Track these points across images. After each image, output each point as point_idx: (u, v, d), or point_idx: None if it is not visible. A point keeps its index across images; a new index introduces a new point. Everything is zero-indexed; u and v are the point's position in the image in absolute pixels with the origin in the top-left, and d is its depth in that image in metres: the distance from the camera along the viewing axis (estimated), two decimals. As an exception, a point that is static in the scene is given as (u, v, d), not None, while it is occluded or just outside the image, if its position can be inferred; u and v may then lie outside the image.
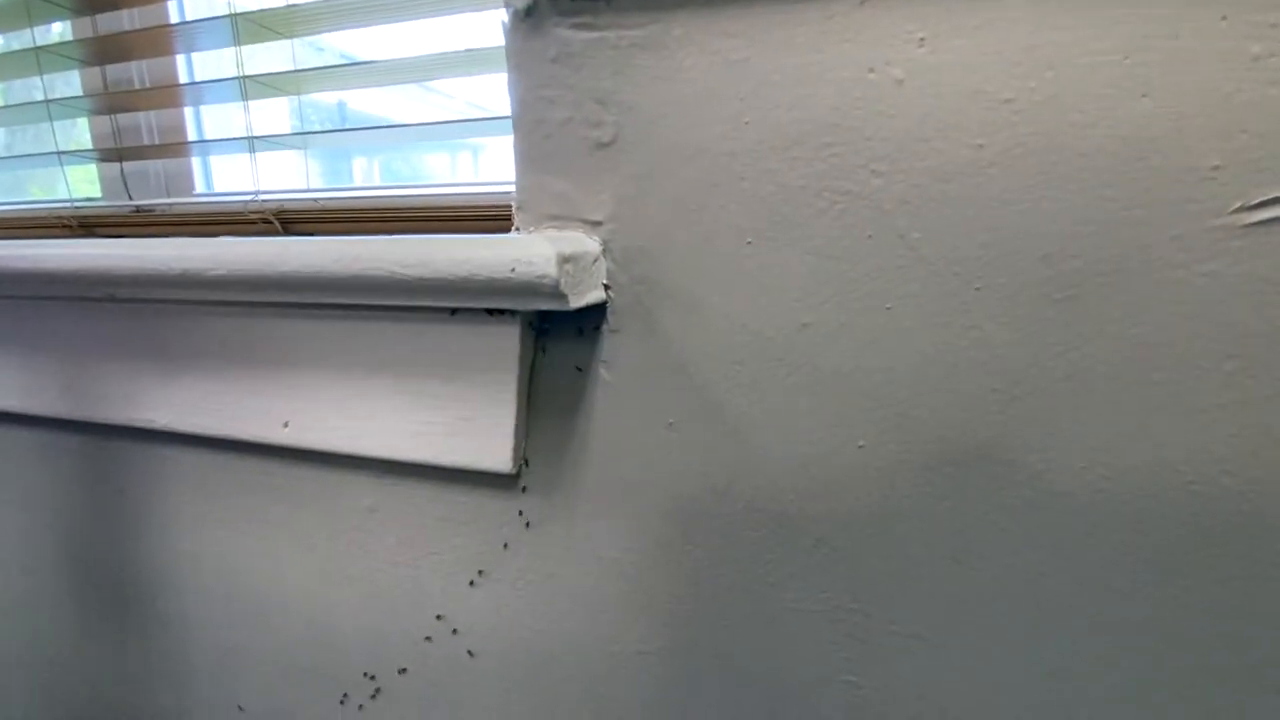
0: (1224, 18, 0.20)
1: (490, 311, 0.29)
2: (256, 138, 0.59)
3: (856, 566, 0.27)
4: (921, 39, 0.23)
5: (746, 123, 0.25)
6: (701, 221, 0.27)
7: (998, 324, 0.24)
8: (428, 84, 0.68)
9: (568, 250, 0.25)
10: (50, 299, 0.38)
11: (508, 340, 0.29)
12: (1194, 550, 0.23)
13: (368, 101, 0.63)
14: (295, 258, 0.28)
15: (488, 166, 0.65)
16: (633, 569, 0.31)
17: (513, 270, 0.25)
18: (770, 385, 0.27)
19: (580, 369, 0.30)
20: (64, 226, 0.56)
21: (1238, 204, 0.21)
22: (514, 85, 0.28)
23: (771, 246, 0.26)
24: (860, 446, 0.27)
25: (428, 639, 0.36)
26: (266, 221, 0.52)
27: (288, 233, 0.56)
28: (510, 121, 0.29)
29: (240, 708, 0.43)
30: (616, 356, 0.29)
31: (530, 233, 0.29)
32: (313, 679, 0.40)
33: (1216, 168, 0.21)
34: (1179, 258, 0.22)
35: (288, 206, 0.55)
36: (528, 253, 0.24)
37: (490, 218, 0.42)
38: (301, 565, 0.38)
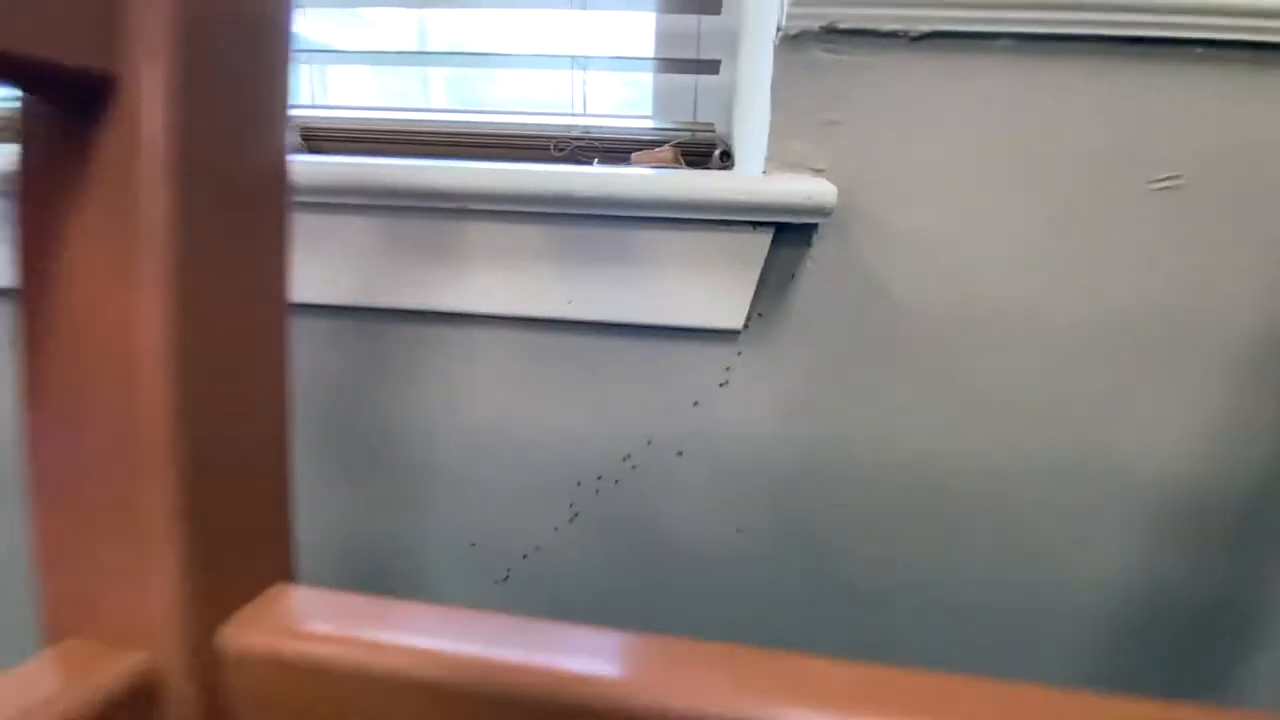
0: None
1: (754, 224, 0.47)
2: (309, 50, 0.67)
3: (977, 384, 0.50)
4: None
5: (924, 126, 0.45)
6: (892, 172, 0.46)
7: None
8: (357, 10, 0.77)
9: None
10: (378, 207, 0.49)
11: (762, 243, 0.47)
12: (1111, 348, 0.48)
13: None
14: (646, 187, 0.44)
15: (336, 89, 0.74)
16: (814, 399, 0.52)
17: (808, 198, 0.43)
18: (928, 276, 0.48)
19: (796, 261, 0.49)
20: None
21: (1150, 180, 0.44)
22: (775, 83, 0.45)
23: (940, 195, 0.46)
24: (993, 310, 0.49)
25: (650, 443, 0.54)
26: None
27: (309, 150, 0.64)
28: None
29: (472, 544, 0.59)
30: (821, 255, 0.49)
31: (777, 174, 0.47)
32: (542, 495, 0.57)
33: (1144, 162, 0.44)
34: (1123, 205, 0.45)
35: (309, 124, 0.63)
36: (817, 189, 0.43)
37: (527, 147, 0.58)
38: (560, 408, 0.54)
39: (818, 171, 0.47)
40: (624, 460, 0.55)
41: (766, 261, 0.48)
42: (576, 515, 0.58)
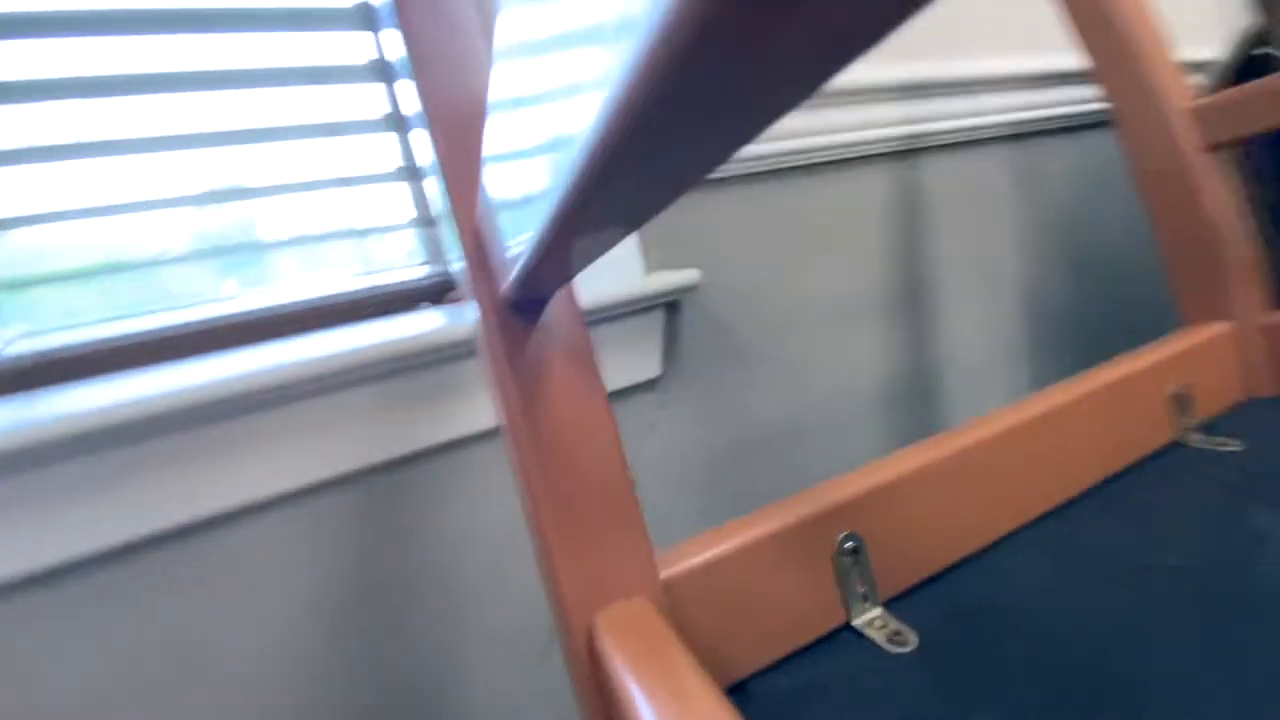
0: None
1: (652, 306, 0.73)
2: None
3: (821, 390, 0.84)
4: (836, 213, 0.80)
5: (724, 227, 0.77)
6: (717, 257, 0.78)
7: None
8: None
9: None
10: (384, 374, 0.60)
11: (659, 317, 0.74)
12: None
13: None
14: (601, 297, 0.66)
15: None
16: (714, 402, 0.80)
17: (684, 282, 0.71)
18: (750, 309, 0.80)
19: (677, 323, 0.77)
20: None
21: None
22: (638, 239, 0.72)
23: (742, 261, 0.79)
24: (788, 318, 0.83)
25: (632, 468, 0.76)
26: (20, 373, 0.50)
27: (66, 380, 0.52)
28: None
29: (506, 635, 0.71)
30: (689, 316, 0.77)
31: (655, 274, 0.74)
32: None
33: (814, 224, 0.85)
34: (813, 246, 0.86)
35: (56, 354, 0.53)
36: (689, 276, 0.71)
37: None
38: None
39: (676, 268, 0.76)
40: (613, 495, 0.75)
41: (664, 328, 0.75)
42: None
